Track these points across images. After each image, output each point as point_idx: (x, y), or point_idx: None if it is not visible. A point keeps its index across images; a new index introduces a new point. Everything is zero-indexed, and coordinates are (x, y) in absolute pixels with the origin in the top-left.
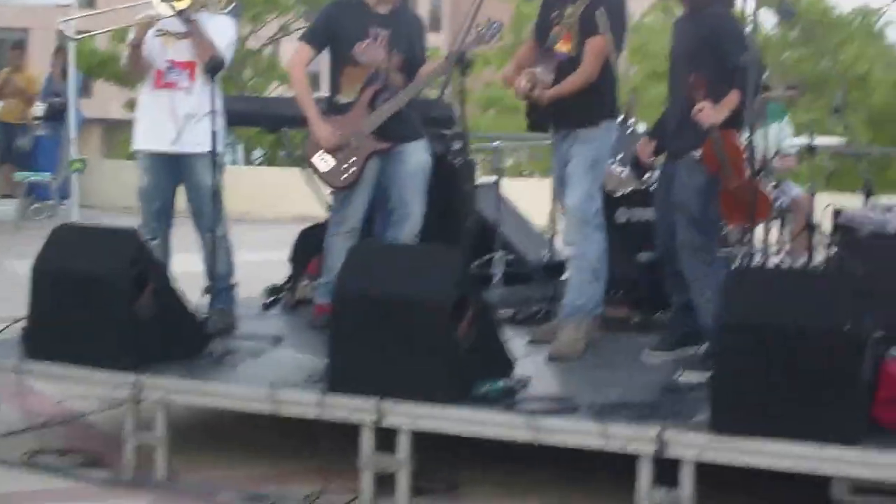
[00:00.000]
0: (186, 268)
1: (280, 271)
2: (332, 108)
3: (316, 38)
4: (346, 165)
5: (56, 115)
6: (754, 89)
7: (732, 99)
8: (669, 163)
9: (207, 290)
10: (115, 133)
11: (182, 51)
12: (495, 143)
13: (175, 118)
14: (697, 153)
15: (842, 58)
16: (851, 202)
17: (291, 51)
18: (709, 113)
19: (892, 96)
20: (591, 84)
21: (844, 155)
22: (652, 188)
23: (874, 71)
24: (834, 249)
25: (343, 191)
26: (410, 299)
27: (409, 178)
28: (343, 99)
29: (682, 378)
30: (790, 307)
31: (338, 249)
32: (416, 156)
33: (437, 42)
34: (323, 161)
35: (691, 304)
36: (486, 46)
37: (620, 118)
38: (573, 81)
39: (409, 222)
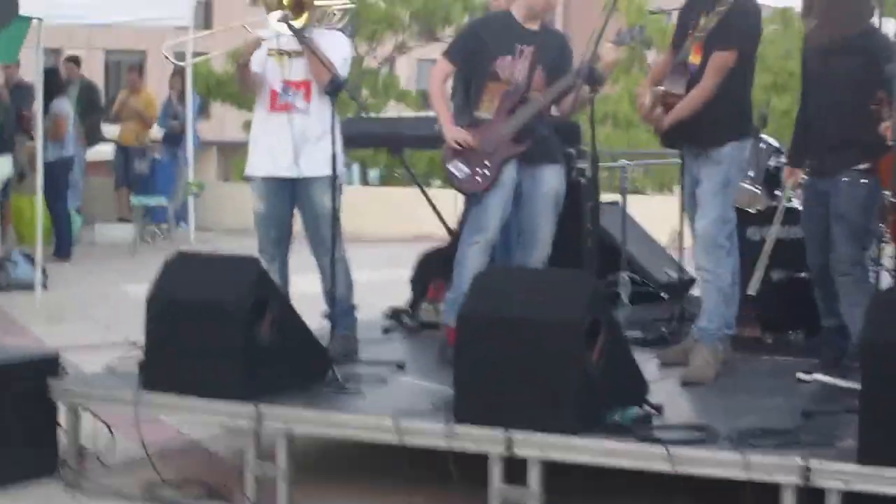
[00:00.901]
0: (304, 289)
1: (400, 291)
2: (472, 123)
3: (458, 53)
4: (480, 168)
5: (174, 138)
6: None
7: None
8: (822, 180)
9: (327, 316)
10: (231, 155)
11: (297, 70)
12: (621, 162)
13: (292, 141)
14: (862, 166)
15: None
16: None
17: (408, 69)
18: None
19: None
20: (718, 101)
21: None
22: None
23: None
24: None
25: (478, 195)
26: (542, 323)
27: (542, 201)
28: (484, 114)
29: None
30: None
31: (471, 260)
32: (553, 180)
33: None
34: (458, 168)
35: (844, 326)
36: (620, 47)
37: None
38: (692, 99)
39: (538, 247)
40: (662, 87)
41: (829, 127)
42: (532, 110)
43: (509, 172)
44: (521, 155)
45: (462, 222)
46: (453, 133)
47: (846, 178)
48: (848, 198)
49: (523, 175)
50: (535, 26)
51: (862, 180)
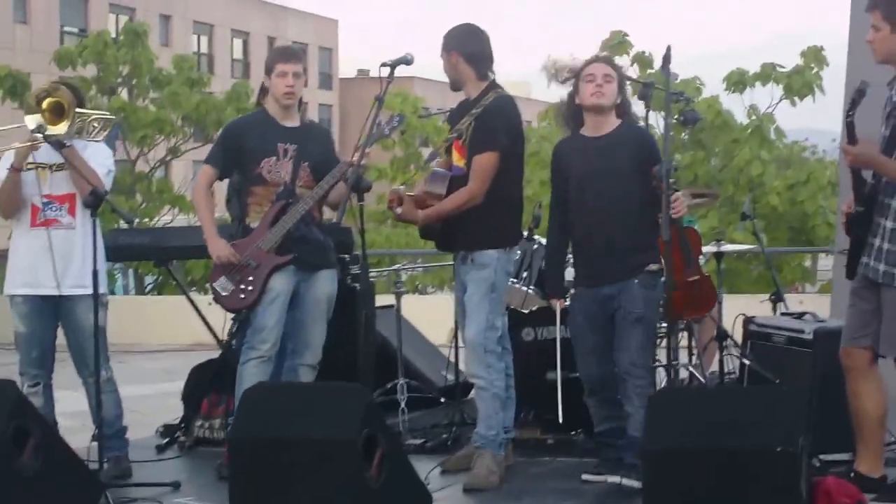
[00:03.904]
0: (73, 407)
1: (175, 405)
2: (243, 233)
3: (219, 158)
4: (244, 284)
5: None
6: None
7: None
8: (607, 286)
9: (96, 437)
10: None
11: (59, 183)
12: (395, 266)
13: (55, 258)
14: (654, 267)
15: (734, 162)
16: (752, 305)
17: (184, 172)
18: (682, 203)
19: (786, 199)
20: (482, 204)
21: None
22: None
23: (767, 174)
24: (746, 359)
25: (245, 311)
26: (315, 441)
27: (313, 305)
28: (253, 223)
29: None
30: (719, 427)
31: (248, 379)
32: (326, 285)
33: None
34: (222, 286)
35: (620, 427)
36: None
37: (524, 235)
38: (455, 198)
39: (309, 353)
40: (424, 188)
41: (610, 231)
42: (294, 218)
43: (280, 283)
44: (293, 261)
45: (232, 333)
46: (215, 249)
47: (638, 280)
48: (645, 300)
49: (298, 279)
50: (293, 123)
51: (654, 278)
